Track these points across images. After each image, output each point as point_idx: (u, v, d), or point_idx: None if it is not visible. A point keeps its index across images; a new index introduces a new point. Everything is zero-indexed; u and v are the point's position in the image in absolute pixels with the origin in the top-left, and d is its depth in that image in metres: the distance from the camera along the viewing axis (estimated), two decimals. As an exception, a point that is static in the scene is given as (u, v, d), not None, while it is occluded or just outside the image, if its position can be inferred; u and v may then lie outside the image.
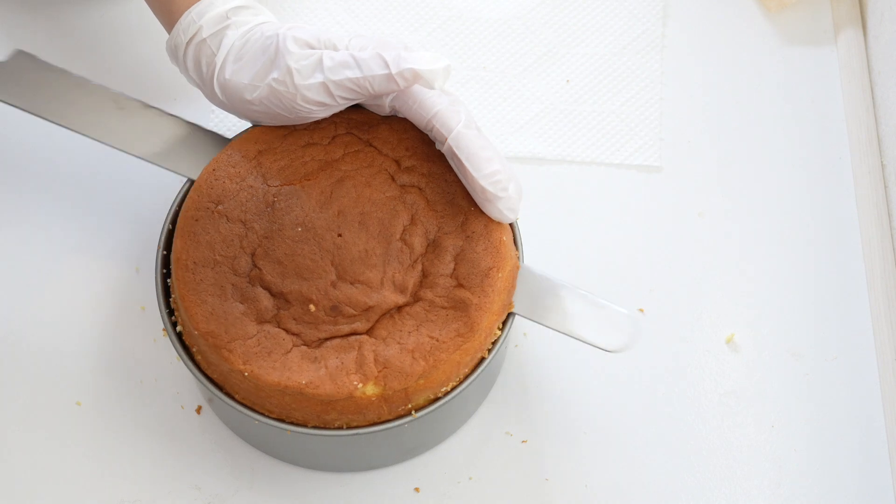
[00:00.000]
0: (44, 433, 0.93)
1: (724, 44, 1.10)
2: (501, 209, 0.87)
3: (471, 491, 0.91)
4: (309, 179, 0.88)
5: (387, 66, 0.85)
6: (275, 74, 0.87)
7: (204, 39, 0.90)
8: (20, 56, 0.95)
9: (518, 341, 0.96)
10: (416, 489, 0.91)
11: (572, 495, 0.91)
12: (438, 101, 0.88)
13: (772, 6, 1.11)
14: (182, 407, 0.94)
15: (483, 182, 0.86)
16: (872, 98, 1.06)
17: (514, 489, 0.91)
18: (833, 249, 1.00)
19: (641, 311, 0.98)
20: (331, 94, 0.87)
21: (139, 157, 0.93)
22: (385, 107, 0.90)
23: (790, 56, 1.09)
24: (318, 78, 0.86)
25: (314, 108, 0.88)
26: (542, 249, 0.99)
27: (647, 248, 1.00)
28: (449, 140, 0.87)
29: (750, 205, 1.02)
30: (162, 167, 0.93)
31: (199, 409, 0.94)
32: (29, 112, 0.94)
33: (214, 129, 1.04)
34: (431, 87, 0.85)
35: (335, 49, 0.88)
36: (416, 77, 0.85)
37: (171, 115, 0.95)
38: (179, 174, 0.93)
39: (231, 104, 0.90)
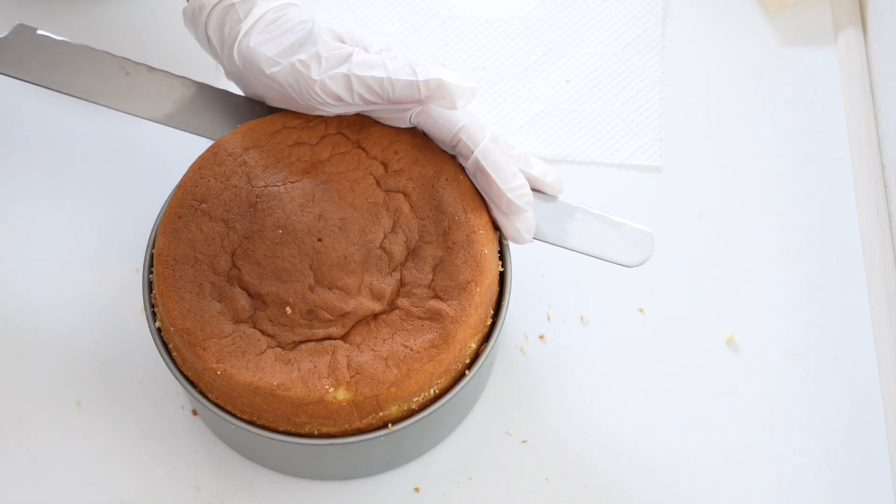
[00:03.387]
0: (44, 433, 0.93)
1: (724, 44, 1.10)
2: (520, 229, 0.88)
3: (471, 491, 0.91)
4: (293, 181, 0.88)
5: (414, 73, 0.85)
6: (301, 56, 0.87)
7: (233, 4, 0.90)
8: (21, 29, 0.95)
9: (519, 342, 0.96)
10: (416, 489, 0.91)
11: (572, 495, 0.91)
12: (464, 115, 0.88)
13: (772, 6, 1.11)
14: (182, 407, 0.94)
15: (510, 195, 0.86)
16: (872, 98, 1.06)
17: (514, 489, 0.91)
18: (833, 249, 1.00)
19: (641, 311, 0.98)
20: (350, 90, 0.87)
21: (151, 121, 0.93)
22: (407, 120, 0.89)
23: (790, 56, 1.09)
24: (344, 69, 0.86)
25: (329, 99, 0.88)
26: (541, 249, 0.99)
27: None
28: (476, 153, 0.87)
29: (750, 205, 1.02)
30: (175, 128, 0.93)
31: (194, 411, 0.94)
32: (35, 84, 0.94)
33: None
34: (453, 106, 0.86)
35: (366, 50, 0.88)
36: (440, 88, 0.85)
37: (179, 76, 0.95)
38: (193, 134, 0.93)
39: (246, 73, 0.90)
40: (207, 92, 0.95)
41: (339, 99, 0.87)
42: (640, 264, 0.89)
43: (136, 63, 0.95)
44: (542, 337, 0.97)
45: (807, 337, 0.96)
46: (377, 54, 0.88)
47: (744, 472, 0.92)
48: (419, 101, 0.86)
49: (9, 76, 0.94)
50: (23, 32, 0.95)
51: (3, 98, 1.05)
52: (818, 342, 0.96)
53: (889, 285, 0.97)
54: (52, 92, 1.05)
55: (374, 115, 0.90)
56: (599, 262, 0.99)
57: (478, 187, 0.89)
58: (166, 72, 0.95)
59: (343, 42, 0.88)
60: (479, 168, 0.87)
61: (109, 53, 0.95)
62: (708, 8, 1.12)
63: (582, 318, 0.97)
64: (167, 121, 0.94)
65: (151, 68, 0.95)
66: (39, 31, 0.95)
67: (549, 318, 0.97)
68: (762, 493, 0.91)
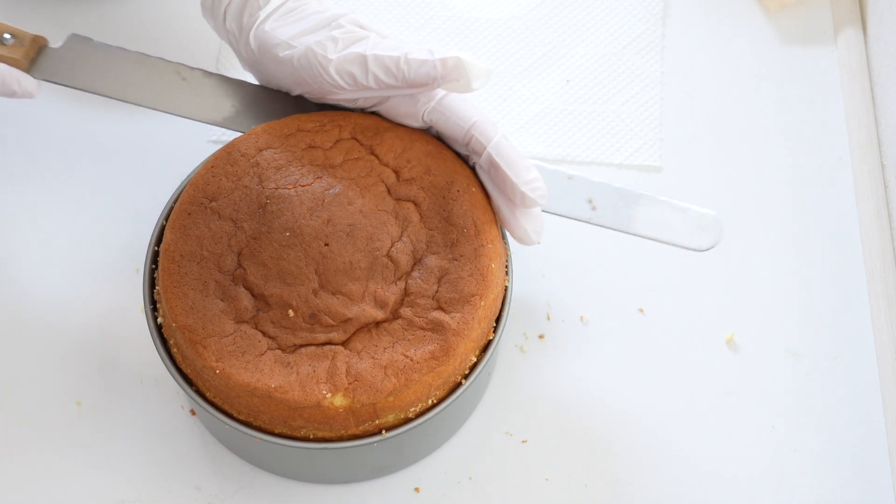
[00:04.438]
0: (44, 433, 0.93)
1: (724, 44, 1.10)
2: (528, 229, 0.88)
3: (471, 491, 0.91)
4: (304, 184, 0.88)
5: (430, 53, 0.86)
6: (317, 37, 0.88)
7: None
8: (75, 39, 0.96)
9: (519, 342, 0.96)
10: (416, 489, 0.91)
11: (572, 495, 0.91)
12: (476, 112, 0.88)
13: (772, 6, 1.11)
14: (182, 407, 0.94)
15: (524, 188, 0.86)
16: (872, 98, 1.06)
17: (514, 489, 0.91)
18: (833, 249, 1.00)
19: (641, 311, 0.98)
20: (365, 69, 0.87)
21: (211, 124, 0.95)
22: (419, 114, 0.89)
23: (790, 56, 1.09)
24: (360, 49, 0.87)
25: (343, 81, 0.88)
26: (541, 249, 0.99)
27: (647, 247, 1.00)
28: (489, 148, 0.87)
29: (750, 205, 1.02)
30: (237, 131, 0.94)
31: (192, 411, 0.94)
32: (95, 93, 0.95)
33: (213, 132, 1.04)
34: (468, 87, 0.86)
35: (382, 37, 0.89)
36: (457, 67, 0.85)
37: (235, 79, 0.96)
38: None
39: (260, 58, 0.91)
40: (264, 93, 0.95)
41: (354, 80, 0.88)
42: (711, 248, 0.90)
43: (192, 68, 0.96)
44: (542, 337, 0.97)
45: (807, 337, 0.96)
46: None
47: (744, 472, 0.92)
48: (435, 81, 0.86)
49: (66, 86, 0.95)
50: (77, 42, 0.96)
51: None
52: (818, 342, 0.96)
53: (889, 285, 0.97)
54: (51, 91, 1.05)
55: (387, 109, 0.91)
56: (601, 261, 0.99)
57: (491, 185, 0.89)
58: (222, 75, 0.96)
59: (363, 28, 0.89)
60: (493, 163, 0.87)
61: (164, 59, 0.96)
62: (708, 7, 1.12)
63: (582, 318, 0.97)
64: (226, 123, 0.94)
65: (207, 72, 0.96)
66: (94, 41, 0.96)
67: (549, 318, 0.97)
68: (762, 492, 0.91)
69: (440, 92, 0.88)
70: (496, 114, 1.07)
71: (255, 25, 0.90)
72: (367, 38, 0.88)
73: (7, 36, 0.93)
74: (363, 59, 0.87)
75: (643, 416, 0.94)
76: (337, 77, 0.88)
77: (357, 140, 0.90)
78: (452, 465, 0.92)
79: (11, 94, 0.91)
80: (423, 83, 0.87)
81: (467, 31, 1.11)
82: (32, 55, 0.94)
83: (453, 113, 0.88)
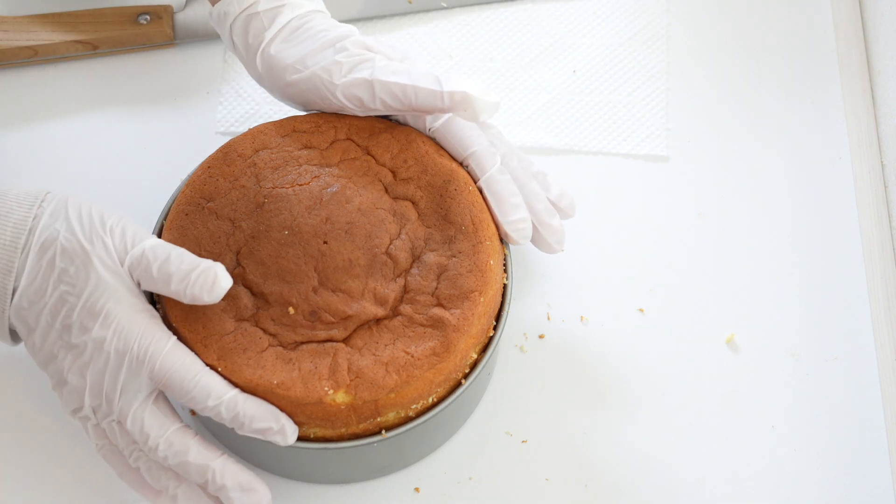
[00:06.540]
0: (44, 434, 0.93)
1: (727, 39, 1.10)
2: (550, 242, 0.91)
3: (471, 491, 0.92)
4: (301, 184, 0.88)
5: (438, 83, 0.86)
6: (323, 63, 0.88)
7: (258, 13, 0.91)
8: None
9: (519, 342, 0.96)
10: (416, 489, 0.92)
11: (572, 495, 0.91)
12: (477, 140, 0.89)
13: (774, 3, 1.11)
14: (182, 407, 0.94)
15: (507, 228, 0.88)
16: (872, 98, 1.06)
17: (514, 489, 0.92)
18: (833, 249, 1.00)
19: (641, 311, 0.98)
20: (373, 94, 0.88)
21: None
22: (424, 129, 0.91)
23: (790, 56, 1.09)
24: (365, 74, 0.87)
25: (350, 104, 0.89)
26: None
27: (648, 245, 1.00)
28: (481, 181, 0.89)
29: (750, 204, 1.02)
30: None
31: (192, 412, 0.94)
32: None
33: (220, 124, 1.05)
34: (476, 119, 0.87)
35: (388, 58, 0.89)
36: (464, 101, 0.86)
37: None
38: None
39: (269, 79, 0.91)
40: None
41: (362, 103, 0.88)
42: None
43: None
44: (542, 337, 0.97)
45: (807, 337, 0.96)
46: (400, 62, 0.89)
47: (744, 472, 0.92)
48: (442, 111, 0.87)
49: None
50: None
51: (3, 97, 1.06)
52: (818, 342, 0.96)
53: (889, 285, 0.96)
54: (51, 91, 1.05)
55: (395, 116, 0.92)
56: (599, 262, 0.99)
57: None
58: None
59: (369, 49, 0.90)
60: (484, 196, 0.89)
61: None
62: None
63: (582, 318, 0.97)
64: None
65: None
66: None
67: (549, 318, 0.97)
68: (762, 492, 0.91)
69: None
70: (503, 104, 1.07)
71: (262, 47, 0.90)
72: (373, 61, 0.88)
73: (143, 16, 0.95)
74: (370, 85, 0.87)
75: (643, 416, 0.94)
76: (345, 101, 0.88)
77: (353, 141, 0.90)
78: (452, 465, 0.92)
79: None
80: (429, 111, 0.87)
81: (474, 22, 1.11)
82: (171, 23, 0.97)
83: (454, 138, 0.89)
